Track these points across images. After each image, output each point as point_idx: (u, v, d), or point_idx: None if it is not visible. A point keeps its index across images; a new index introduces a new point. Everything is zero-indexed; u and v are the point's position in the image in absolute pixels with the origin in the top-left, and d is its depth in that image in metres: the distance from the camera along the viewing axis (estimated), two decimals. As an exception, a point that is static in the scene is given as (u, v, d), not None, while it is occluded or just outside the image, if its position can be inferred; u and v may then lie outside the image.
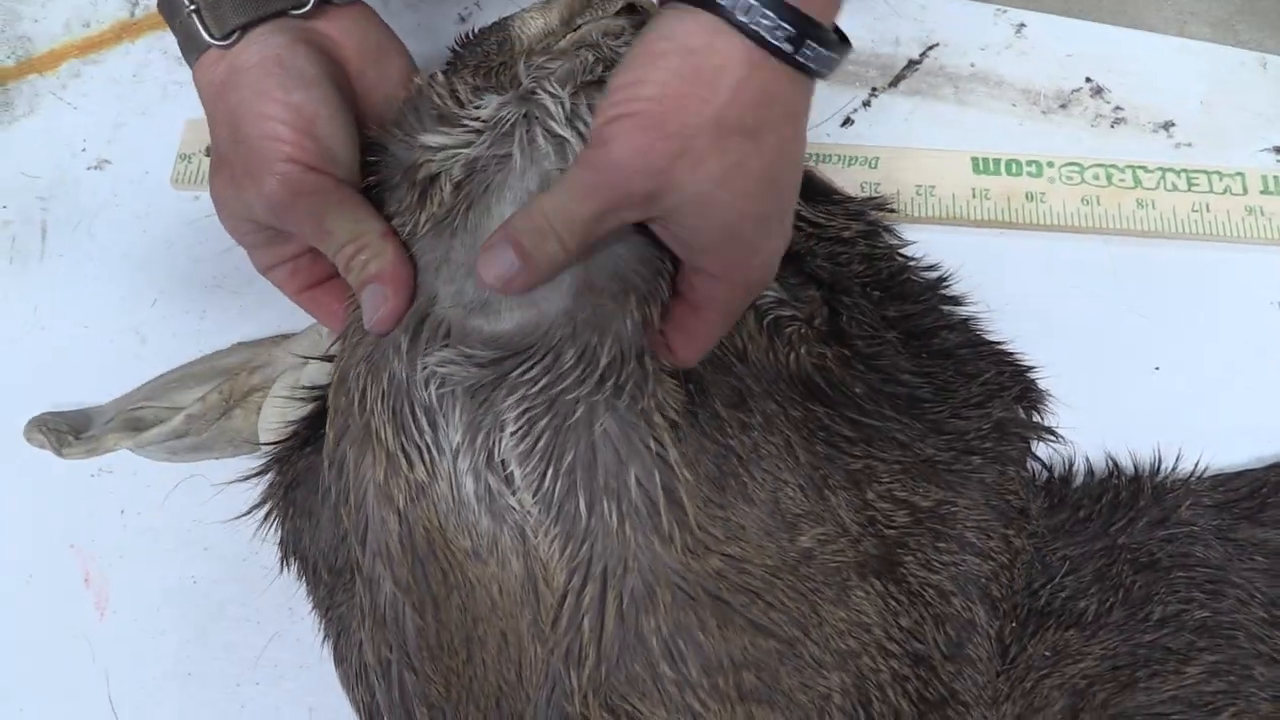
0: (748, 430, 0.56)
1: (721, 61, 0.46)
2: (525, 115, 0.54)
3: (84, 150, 0.88)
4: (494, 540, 0.53)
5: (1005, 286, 0.72)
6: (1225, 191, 0.77)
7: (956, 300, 0.69)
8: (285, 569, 0.66)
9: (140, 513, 0.75)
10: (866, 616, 0.56)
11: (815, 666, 0.55)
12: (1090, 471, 0.68)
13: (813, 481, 0.57)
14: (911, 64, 0.84)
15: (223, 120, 0.55)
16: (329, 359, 0.66)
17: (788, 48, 0.46)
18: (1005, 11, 0.86)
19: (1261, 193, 0.77)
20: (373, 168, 0.57)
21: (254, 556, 0.71)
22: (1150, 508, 0.65)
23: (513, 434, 0.52)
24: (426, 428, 0.53)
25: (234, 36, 0.55)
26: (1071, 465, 0.68)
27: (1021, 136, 0.81)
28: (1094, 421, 0.68)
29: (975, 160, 0.79)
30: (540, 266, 0.49)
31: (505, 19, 0.64)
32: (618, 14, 0.62)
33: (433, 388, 0.53)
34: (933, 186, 0.78)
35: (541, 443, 0.52)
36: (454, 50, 0.65)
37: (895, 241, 0.70)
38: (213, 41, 0.55)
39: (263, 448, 0.70)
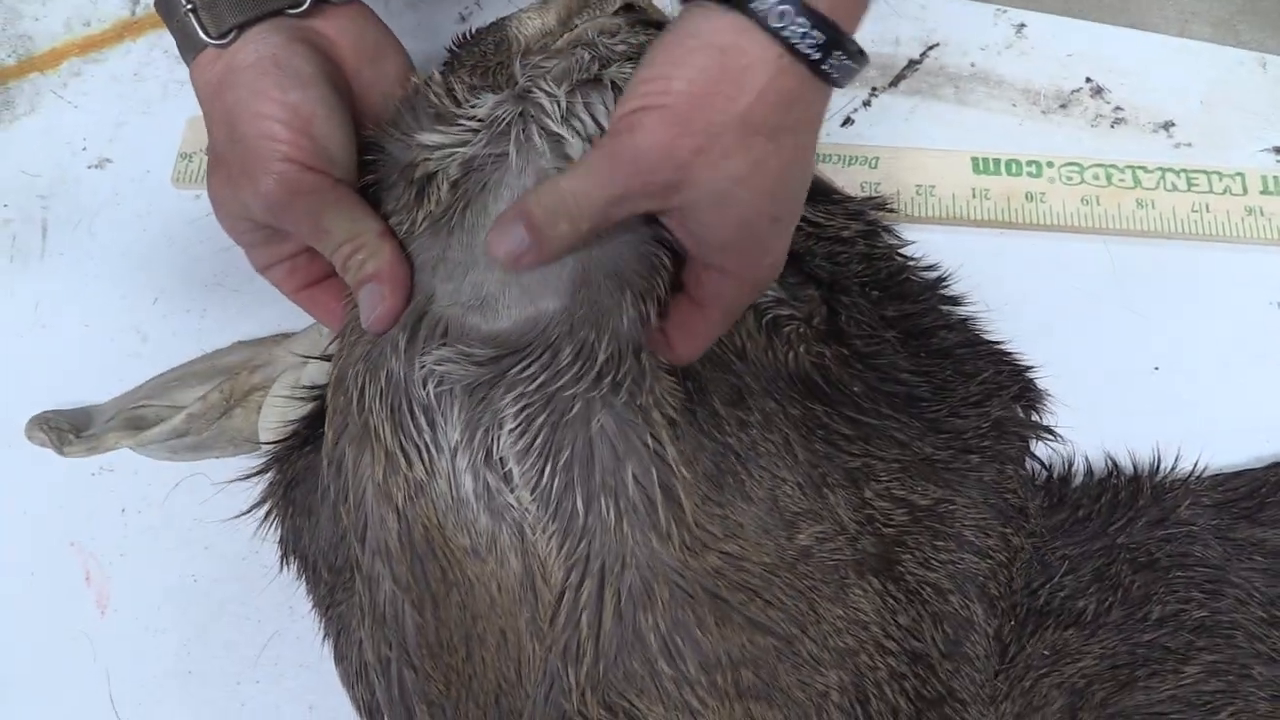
0: (746, 428, 0.56)
1: (749, 63, 0.46)
2: (521, 114, 0.54)
3: (85, 149, 0.88)
4: (493, 538, 0.53)
5: (1005, 286, 0.72)
6: (1225, 192, 0.77)
7: (955, 300, 0.69)
8: (285, 567, 0.66)
9: (141, 511, 0.75)
10: (864, 614, 0.56)
11: (813, 664, 0.55)
12: (1089, 471, 0.68)
13: (811, 480, 0.57)
14: (912, 64, 0.84)
15: (220, 120, 0.55)
16: (329, 358, 0.66)
17: (816, 55, 0.47)
18: (1005, 11, 0.86)
19: (1261, 193, 0.77)
20: (370, 167, 0.57)
21: (254, 555, 0.71)
22: (1149, 507, 0.65)
23: (511, 431, 0.52)
24: (425, 426, 0.53)
25: (231, 36, 0.55)
26: (1070, 465, 0.68)
27: (1021, 136, 0.81)
28: (1093, 421, 0.68)
29: (975, 160, 0.79)
30: (550, 246, 0.50)
31: (502, 19, 0.64)
32: (615, 13, 0.62)
33: (431, 386, 0.53)
34: (933, 186, 0.78)
35: (539, 440, 0.52)
36: (451, 50, 0.66)
37: (894, 241, 0.70)
38: (209, 41, 0.55)
39: (263, 447, 0.70)
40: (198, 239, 0.83)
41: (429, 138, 0.55)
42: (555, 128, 0.53)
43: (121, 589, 0.74)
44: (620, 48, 0.57)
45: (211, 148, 0.56)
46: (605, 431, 0.52)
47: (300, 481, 0.64)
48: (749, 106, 0.47)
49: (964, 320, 0.69)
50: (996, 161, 0.79)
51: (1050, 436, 0.68)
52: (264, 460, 0.67)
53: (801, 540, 0.56)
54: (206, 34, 0.55)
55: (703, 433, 0.55)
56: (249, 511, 0.67)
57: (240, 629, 0.72)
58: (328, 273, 0.59)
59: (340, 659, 0.63)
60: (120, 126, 0.88)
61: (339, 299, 0.59)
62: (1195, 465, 0.67)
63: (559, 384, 0.51)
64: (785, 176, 0.50)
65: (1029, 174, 0.78)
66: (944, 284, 0.70)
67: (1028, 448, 0.67)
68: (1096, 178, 0.78)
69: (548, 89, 0.54)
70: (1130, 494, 0.66)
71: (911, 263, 0.70)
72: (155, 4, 0.57)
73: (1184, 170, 0.78)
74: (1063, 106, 0.82)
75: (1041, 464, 0.68)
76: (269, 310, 0.78)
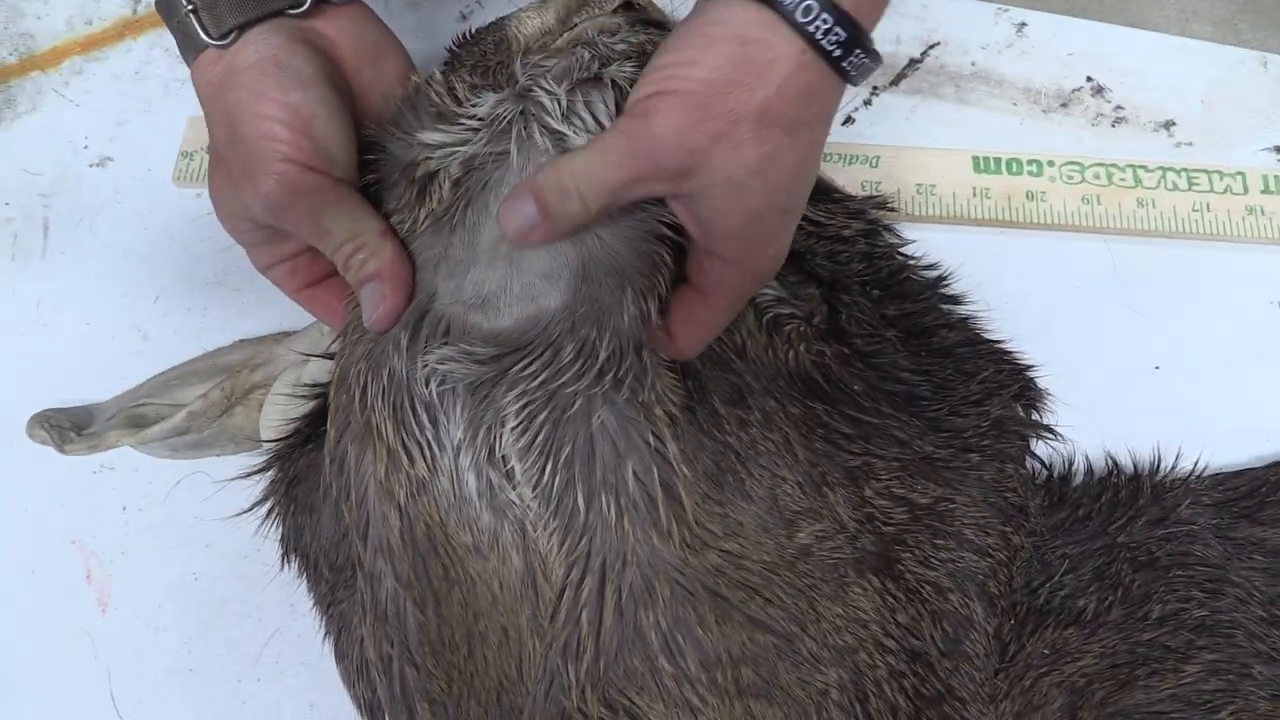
0: (746, 427, 0.56)
1: (773, 56, 0.47)
2: (522, 112, 0.54)
3: (86, 147, 0.88)
4: (495, 535, 0.53)
5: (1005, 285, 0.72)
6: (1226, 191, 0.77)
7: (956, 299, 0.70)
8: (286, 566, 0.67)
9: (142, 509, 0.75)
10: (864, 613, 0.56)
11: (813, 662, 0.55)
12: (1089, 470, 0.68)
13: (811, 478, 0.57)
14: (912, 63, 0.84)
15: (220, 120, 0.55)
16: (330, 356, 0.66)
17: (838, 53, 0.48)
18: (1006, 10, 0.86)
19: (1262, 192, 0.77)
20: (371, 166, 0.57)
21: (255, 553, 0.71)
22: (1149, 506, 0.65)
23: (513, 429, 0.52)
24: (427, 424, 0.53)
25: (231, 36, 0.55)
26: (1071, 464, 0.68)
27: (1022, 135, 0.81)
28: (1093, 420, 0.69)
29: (976, 159, 0.79)
30: (559, 223, 0.50)
31: (502, 19, 0.64)
32: (614, 12, 0.62)
33: (433, 385, 0.53)
34: (933, 185, 0.78)
35: (541, 436, 0.52)
36: (451, 50, 0.66)
37: (895, 240, 0.70)
38: (210, 41, 0.55)
39: (264, 445, 0.70)
40: (199, 237, 0.83)
41: (430, 136, 0.55)
42: (556, 125, 0.53)
43: (122, 587, 0.74)
44: (620, 46, 0.57)
45: (212, 148, 0.56)
46: (606, 428, 0.52)
47: (302, 479, 0.64)
48: (768, 99, 0.47)
49: (964, 319, 0.69)
50: (997, 160, 0.79)
51: (1050, 435, 0.68)
52: (265, 458, 0.67)
53: (801, 539, 0.56)
54: (207, 34, 0.55)
55: (703, 431, 0.55)
56: (250, 509, 0.67)
57: (241, 627, 0.72)
58: (329, 272, 0.59)
59: (341, 657, 0.63)
60: (121, 125, 0.88)
61: (341, 298, 0.59)
62: (1195, 464, 0.67)
63: (560, 381, 0.52)
64: (798, 170, 0.50)
65: (1030, 173, 0.78)
66: (944, 283, 0.70)
67: (1028, 446, 0.67)
68: (1097, 177, 0.78)
69: (548, 87, 0.54)
70: (1130, 493, 0.66)
71: (912, 261, 0.70)
72: (156, 4, 0.57)
73: (1185, 169, 0.78)
74: (1063, 105, 0.82)
75: (1042, 463, 0.68)
76: (270, 309, 0.78)
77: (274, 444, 0.67)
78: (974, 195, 0.78)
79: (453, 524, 0.54)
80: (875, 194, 0.77)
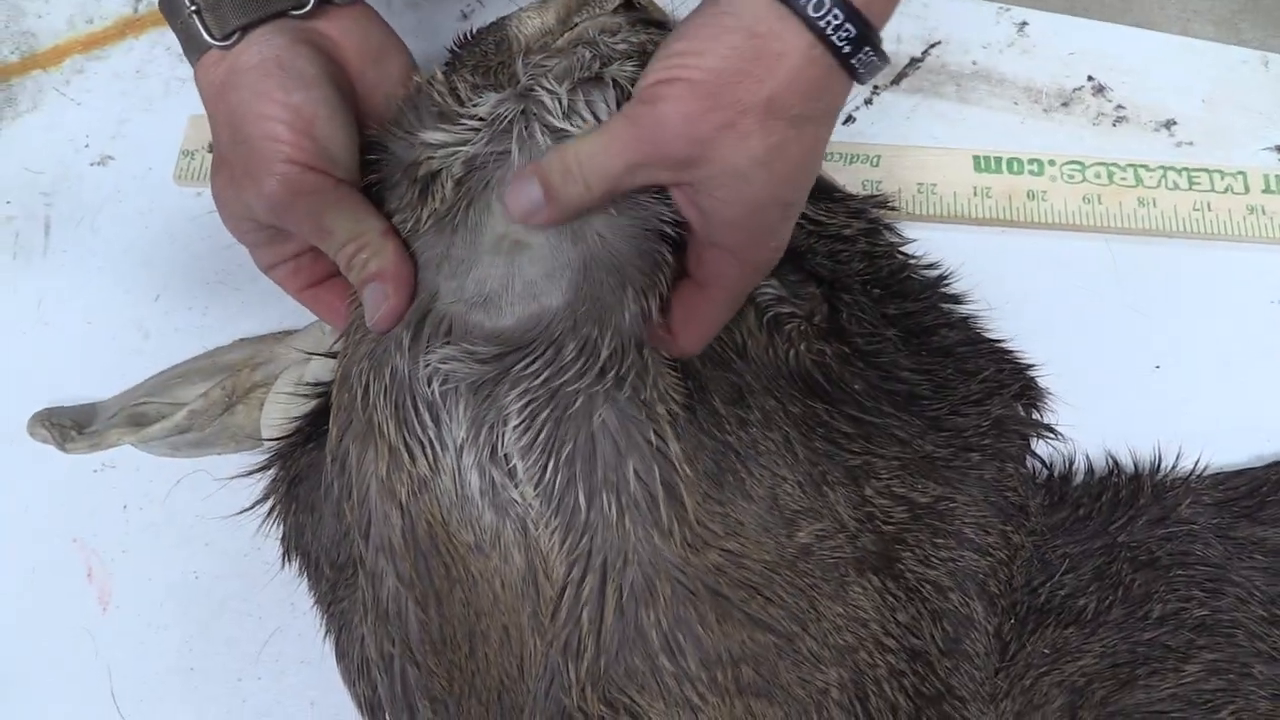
0: (746, 426, 0.56)
1: (783, 49, 0.47)
2: (523, 112, 0.54)
3: (87, 146, 0.88)
4: (497, 534, 0.53)
5: (1006, 285, 0.72)
6: (1227, 190, 0.77)
7: (957, 298, 0.70)
8: (287, 564, 0.67)
9: (143, 508, 0.75)
10: (864, 612, 0.56)
11: (813, 661, 0.55)
12: (1090, 469, 0.68)
13: (811, 478, 0.57)
14: (913, 62, 0.84)
15: (223, 121, 0.55)
16: (332, 355, 0.66)
17: (847, 49, 0.48)
18: (1008, 10, 0.86)
19: (1263, 192, 0.77)
20: (373, 166, 0.57)
21: (256, 552, 0.71)
22: (1150, 506, 0.65)
23: (515, 428, 0.52)
24: (429, 423, 0.53)
25: (234, 37, 0.55)
26: (1071, 463, 0.68)
27: (1023, 135, 0.81)
28: (1094, 419, 0.68)
29: (977, 158, 0.79)
30: (562, 206, 0.50)
31: (503, 19, 0.64)
32: (614, 11, 0.62)
33: (436, 384, 0.53)
34: (934, 184, 0.78)
35: (543, 435, 0.52)
36: (452, 50, 0.66)
37: (896, 239, 0.70)
38: (213, 42, 0.55)
39: (265, 444, 0.70)
40: (200, 236, 0.83)
41: (432, 136, 0.55)
42: (558, 125, 0.53)
43: (123, 585, 0.74)
44: (621, 46, 0.57)
45: (215, 148, 0.57)
46: (607, 426, 0.52)
47: (303, 478, 0.64)
48: (776, 92, 0.47)
49: (965, 318, 0.69)
50: (998, 160, 0.79)
51: (1051, 435, 0.68)
52: (266, 457, 0.67)
53: (802, 538, 0.56)
54: (210, 35, 0.55)
55: (703, 431, 0.55)
56: (251, 508, 0.67)
57: (242, 626, 0.72)
58: (331, 272, 0.59)
59: (342, 656, 0.63)
60: (123, 124, 0.88)
61: (343, 298, 0.59)
62: (1196, 464, 0.67)
63: (562, 380, 0.52)
64: (802, 164, 0.50)
65: (1030, 172, 0.78)
66: (945, 282, 0.70)
67: (1028, 446, 0.67)
68: (1098, 176, 0.78)
69: (549, 87, 0.54)
70: (1131, 492, 0.66)
71: (913, 261, 0.70)
72: (159, 4, 0.57)
73: (1186, 169, 0.78)
74: (1064, 105, 0.82)
75: (1042, 462, 0.68)
76: (271, 308, 0.78)
77: (275, 443, 0.67)
78: (975, 194, 0.78)
79: (454, 522, 0.54)
80: (876, 193, 0.77)
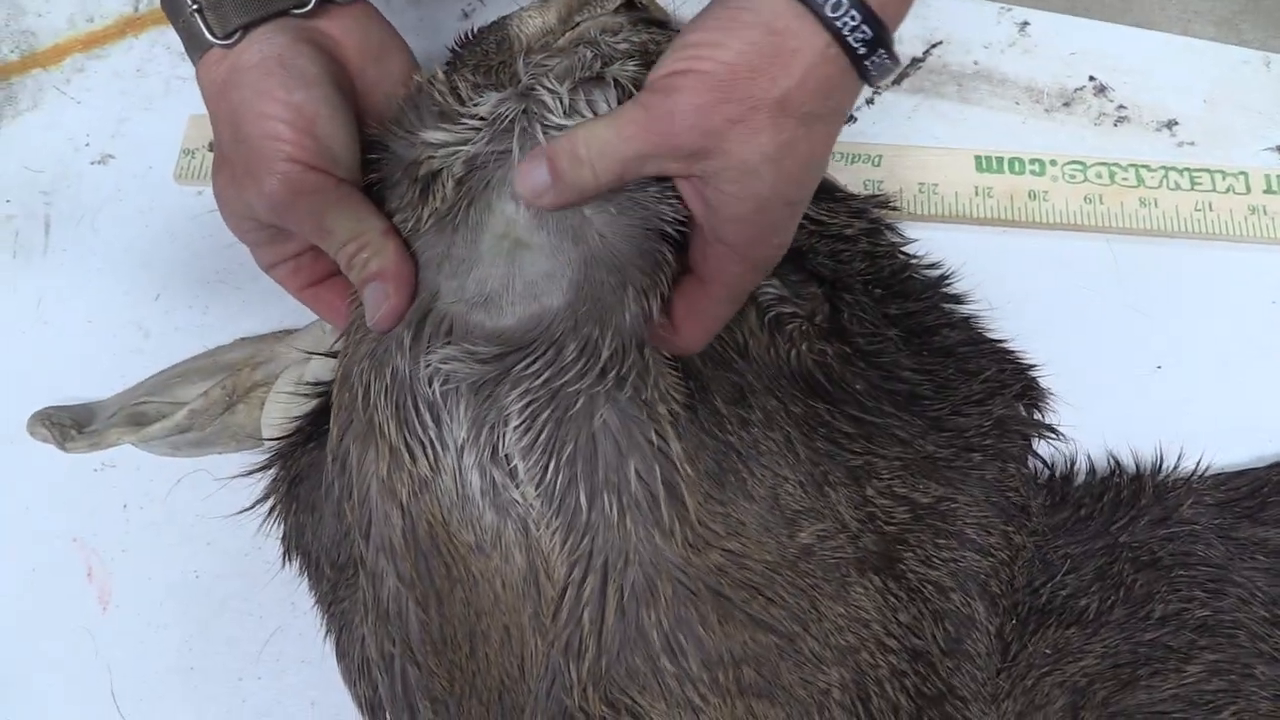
0: (748, 426, 0.56)
1: (799, 46, 0.47)
2: (524, 111, 0.54)
3: (87, 145, 0.88)
4: (497, 534, 0.53)
5: (1007, 285, 0.72)
6: (1228, 191, 0.77)
7: (958, 298, 0.70)
8: (288, 564, 0.67)
9: (143, 507, 0.75)
10: (865, 612, 0.56)
11: (815, 662, 0.55)
12: (1092, 469, 0.68)
13: (812, 478, 0.57)
14: (915, 61, 0.84)
15: (225, 119, 0.55)
16: (332, 355, 0.66)
17: (862, 50, 0.48)
18: (1009, 9, 0.86)
19: (1264, 192, 0.77)
20: (374, 165, 0.57)
21: (257, 551, 0.71)
22: (1152, 506, 0.65)
23: (516, 428, 0.52)
24: (430, 423, 0.53)
25: (236, 36, 0.55)
26: (1073, 463, 0.68)
27: (1024, 135, 0.81)
28: (1095, 420, 0.68)
29: (978, 158, 0.79)
30: (569, 190, 0.51)
31: (504, 18, 0.64)
32: (616, 11, 0.62)
33: (436, 384, 0.53)
34: (935, 184, 0.78)
35: (544, 435, 0.52)
36: (453, 49, 0.66)
37: (897, 239, 0.70)
38: (215, 41, 0.55)
39: (266, 443, 0.70)
40: (200, 235, 0.83)
41: (433, 135, 0.55)
42: (559, 124, 0.53)
43: (123, 585, 0.74)
44: (622, 45, 0.57)
45: (217, 147, 0.57)
46: (608, 426, 0.52)
47: (303, 478, 0.64)
48: (789, 89, 0.48)
49: (966, 318, 0.69)
50: (999, 160, 0.79)
51: (1052, 435, 0.68)
52: (267, 456, 0.67)
53: (803, 538, 0.56)
54: (212, 34, 0.55)
55: (704, 431, 0.55)
56: (252, 508, 0.67)
57: (242, 625, 0.72)
58: (332, 271, 0.59)
59: (342, 655, 0.63)
60: (123, 122, 0.88)
61: (344, 297, 0.59)
62: (1198, 464, 0.67)
63: (563, 380, 0.52)
64: (810, 162, 0.51)
65: (1032, 172, 0.78)
66: (946, 282, 0.70)
67: (1030, 446, 0.67)
68: (1099, 176, 0.78)
69: (551, 86, 0.54)
70: (1132, 493, 0.66)
71: (914, 261, 0.70)
72: (161, 3, 0.57)
73: (1187, 169, 0.78)
74: (1066, 105, 0.82)
75: (1044, 462, 0.68)
76: (272, 307, 0.78)
77: (276, 442, 0.67)
78: (976, 194, 0.78)
79: (455, 523, 0.54)
80: (877, 193, 0.77)
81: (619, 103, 0.53)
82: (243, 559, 0.72)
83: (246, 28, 0.55)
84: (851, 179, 0.78)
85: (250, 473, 0.67)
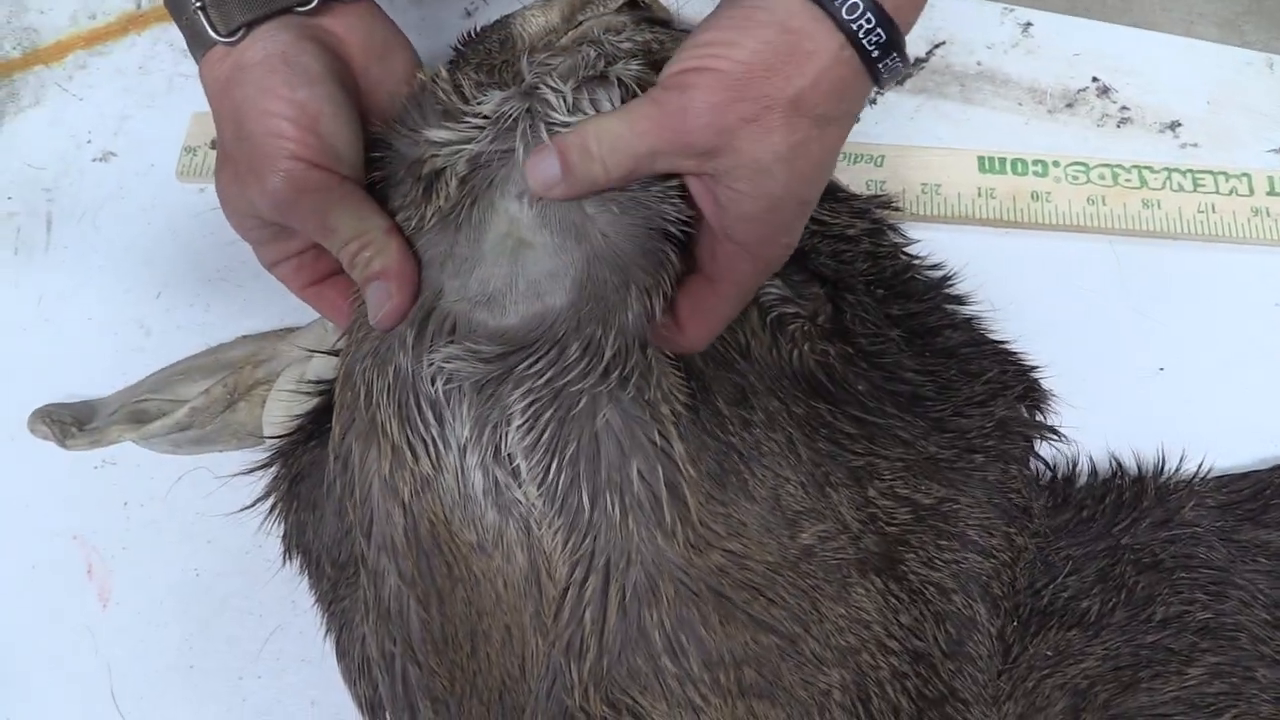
0: (749, 427, 0.56)
1: (814, 48, 0.48)
2: (528, 110, 0.54)
3: (89, 142, 0.88)
4: (499, 533, 0.53)
5: (1009, 286, 0.72)
6: (1231, 192, 0.77)
7: (960, 299, 0.70)
8: (288, 562, 0.66)
9: (144, 505, 0.75)
10: (867, 613, 0.56)
11: (816, 663, 0.55)
12: (1094, 471, 0.68)
13: (814, 478, 0.57)
14: (918, 62, 0.84)
15: (228, 117, 0.55)
16: (334, 353, 0.66)
17: (876, 53, 0.48)
18: (1012, 10, 0.86)
19: (1267, 194, 0.77)
20: (377, 163, 0.57)
21: (257, 550, 0.71)
22: (1154, 508, 0.65)
23: (519, 427, 0.52)
24: (433, 421, 0.53)
25: (240, 33, 0.55)
26: (1075, 465, 0.68)
27: (1027, 136, 0.81)
28: (1098, 421, 0.68)
29: (981, 159, 0.79)
30: (578, 183, 0.51)
31: (507, 17, 0.64)
32: (619, 10, 0.62)
33: (439, 383, 0.53)
34: (938, 185, 0.78)
35: (546, 435, 0.52)
36: (456, 48, 0.66)
37: (900, 240, 0.70)
38: (218, 38, 0.55)
39: (267, 441, 0.70)
40: (202, 233, 0.83)
41: (437, 134, 0.55)
42: (563, 123, 0.53)
43: (123, 583, 0.74)
44: (626, 45, 0.57)
45: (220, 145, 0.56)
46: (611, 426, 0.52)
47: (305, 476, 0.64)
48: (803, 90, 0.48)
49: (969, 319, 0.69)
50: (1002, 160, 0.79)
51: (1055, 436, 0.68)
52: (268, 454, 0.67)
53: (804, 539, 0.56)
54: (215, 32, 0.55)
55: (706, 432, 0.55)
56: (252, 506, 0.67)
57: (242, 624, 0.72)
58: (335, 269, 0.59)
59: (343, 654, 0.63)
60: (125, 120, 0.88)
61: (346, 296, 0.59)
62: (1200, 466, 0.67)
63: (566, 379, 0.52)
64: (821, 163, 0.51)
65: (1035, 173, 0.78)
66: (949, 283, 0.70)
67: (1032, 447, 0.67)
68: (1102, 177, 0.78)
69: (554, 85, 0.54)
70: (1135, 495, 0.66)
71: (916, 261, 0.70)
72: (165, 1, 0.57)
73: (1190, 170, 0.78)
74: (1069, 106, 0.82)
75: (1046, 464, 0.68)
76: (273, 305, 0.78)
77: (277, 440, 0.67)
78: (979, 195, 0.78)
79: (457, 522, 0.54)
80: (880, 193, 0.76)
81: (622, 101, 0.53)
82: (243, 557, 0.72)
83: (250, 25, 0.55)
84: (854, 179, 0.78)
85: (251, 471, 0.67)
